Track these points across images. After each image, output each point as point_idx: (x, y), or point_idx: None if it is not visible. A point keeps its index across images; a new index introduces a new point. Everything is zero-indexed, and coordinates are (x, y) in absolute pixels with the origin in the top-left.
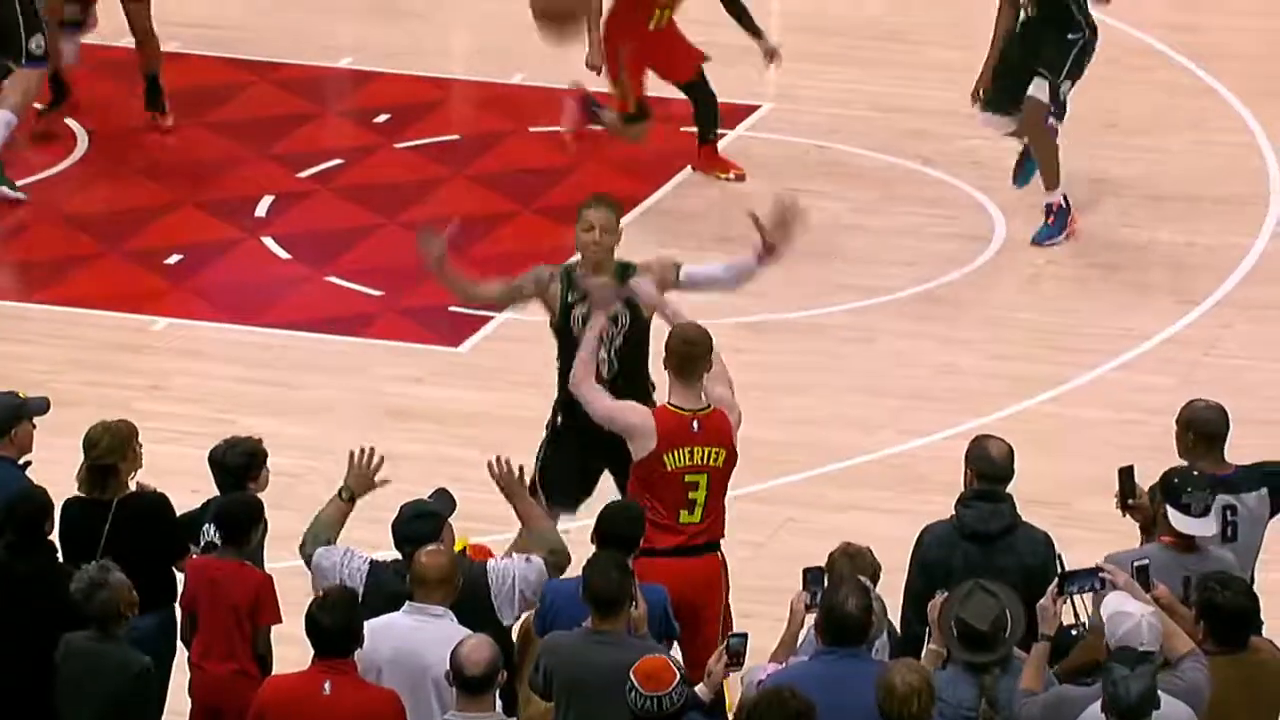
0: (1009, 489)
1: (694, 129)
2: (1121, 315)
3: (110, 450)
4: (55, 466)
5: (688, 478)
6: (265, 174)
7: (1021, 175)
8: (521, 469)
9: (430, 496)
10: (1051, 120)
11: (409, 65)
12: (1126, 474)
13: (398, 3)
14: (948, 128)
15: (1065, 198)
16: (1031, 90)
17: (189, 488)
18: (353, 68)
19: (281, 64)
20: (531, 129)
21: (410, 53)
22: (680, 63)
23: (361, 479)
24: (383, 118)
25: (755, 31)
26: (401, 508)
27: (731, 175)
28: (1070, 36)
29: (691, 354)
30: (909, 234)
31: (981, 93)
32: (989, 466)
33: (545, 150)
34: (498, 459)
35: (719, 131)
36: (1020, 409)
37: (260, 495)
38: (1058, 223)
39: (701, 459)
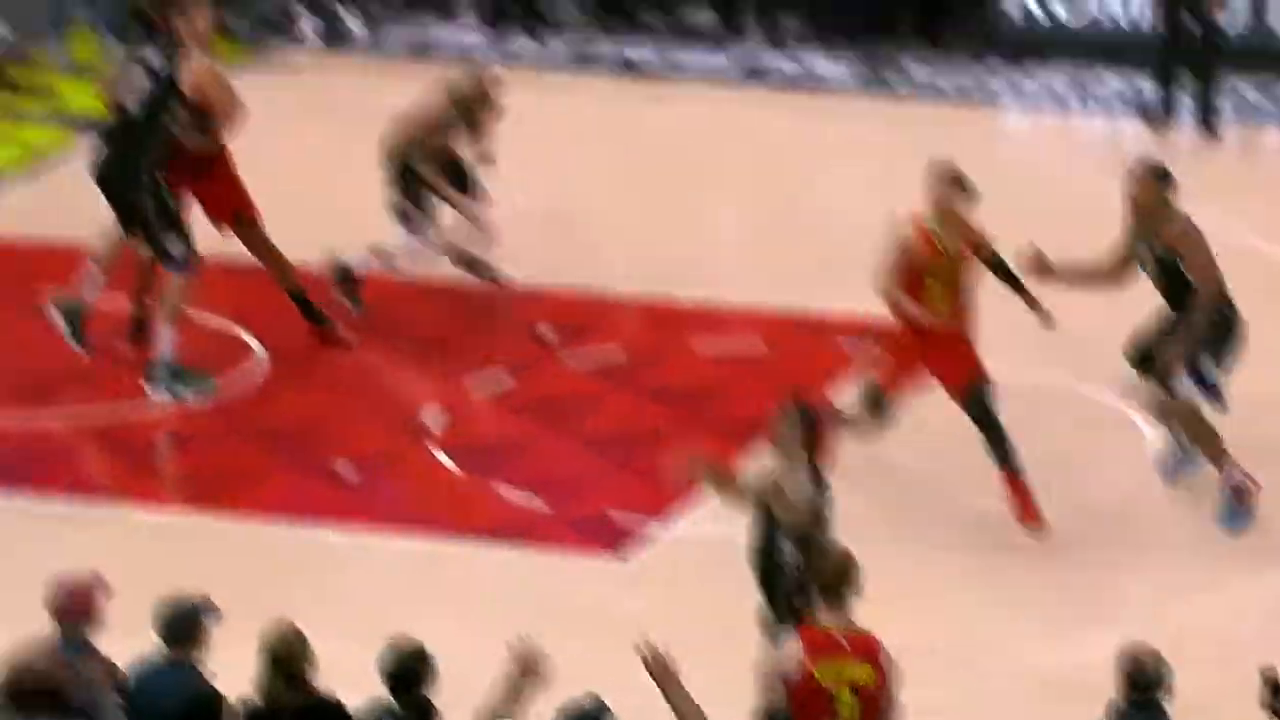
0: (1160, 696)
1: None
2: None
3: (289, 659)
4: (230, 670)
5: (837, 693)
6: (434, 386)
7: (1176, 470)
8: (670, 658)
9: (587, 703)
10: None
11: (575, 281)
12: (1270, 678)
13: (566, 219)
14: (1097, 347)
15: (1240, 470)
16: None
17: (360, 692)
18: (521, 284)
19: (450, 281)
20: (695, 346)
21: (577, 269)
22: (951, 369)
23: (524, 660)
24: (549, 332)
25: (1030, 300)
26: (559, 710)
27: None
28: (1195, 317)
29: (842, 578)
30: (1059, 453)
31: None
32: (1141, 675)
33: (708, 367)
34: (646, 643)
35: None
36: (1170, 616)
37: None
38: (1242, 502)
39: (851, 675)
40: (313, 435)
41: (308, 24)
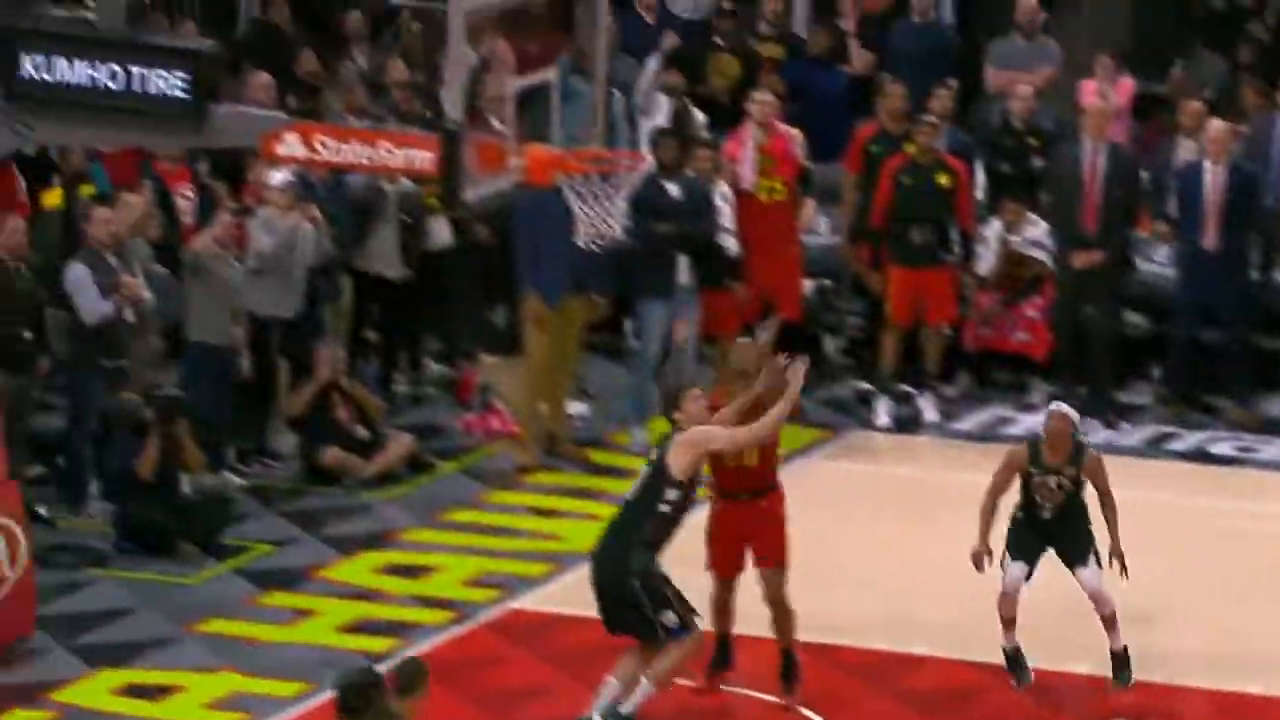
0: None
1: None
2: None
3: None
4: None
5: None
6: None
7: None
8: None
9: None
10: None
11: (1145, 671)
12: None
13: (1138, 610)
14: None
15: None
16: None
17: None
18: (1089, 673)
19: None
20: None
21: (1146, 659)
22: None
23: None
24: None
25: None
26: None
27: None
28: None
29: None
30: None
31: None
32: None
33: None
34: None
35: None
36: None
37: None
38: None
39: None
40: None
41: (884, 410)
